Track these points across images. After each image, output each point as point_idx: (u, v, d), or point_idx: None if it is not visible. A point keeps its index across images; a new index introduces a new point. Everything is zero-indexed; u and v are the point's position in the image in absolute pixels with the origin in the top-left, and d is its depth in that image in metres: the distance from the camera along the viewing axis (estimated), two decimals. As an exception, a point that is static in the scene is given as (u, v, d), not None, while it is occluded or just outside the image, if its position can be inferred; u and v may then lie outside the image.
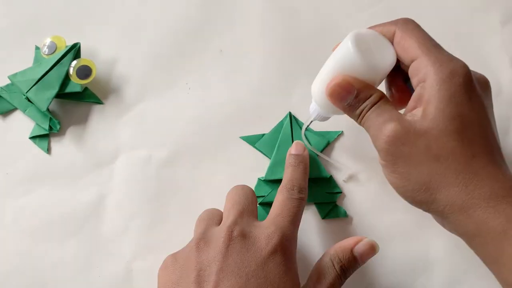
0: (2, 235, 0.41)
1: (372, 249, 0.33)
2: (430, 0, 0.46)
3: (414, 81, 0.32)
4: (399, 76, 0.35)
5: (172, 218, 0.41)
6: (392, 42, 0.33)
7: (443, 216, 0.30)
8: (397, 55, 0.33)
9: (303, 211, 0.35)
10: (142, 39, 0.45)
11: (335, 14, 0.46)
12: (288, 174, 0.37)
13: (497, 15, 0.45)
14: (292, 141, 0.41)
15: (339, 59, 0.33)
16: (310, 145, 0.41)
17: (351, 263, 0.33)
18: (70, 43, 0.44)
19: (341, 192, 0.41)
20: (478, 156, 0.30)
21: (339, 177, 0.41)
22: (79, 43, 0.44)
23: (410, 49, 0.32)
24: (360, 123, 0.33)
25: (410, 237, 0.40)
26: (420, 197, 0.31)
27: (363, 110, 0.32)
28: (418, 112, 0.31)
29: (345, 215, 0.40)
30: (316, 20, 0.46)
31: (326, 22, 0.45)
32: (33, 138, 0.43)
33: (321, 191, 0.41)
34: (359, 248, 0.33)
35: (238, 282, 0.30)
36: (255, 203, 0.36)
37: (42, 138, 0.43)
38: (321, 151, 0.41)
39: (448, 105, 0.30)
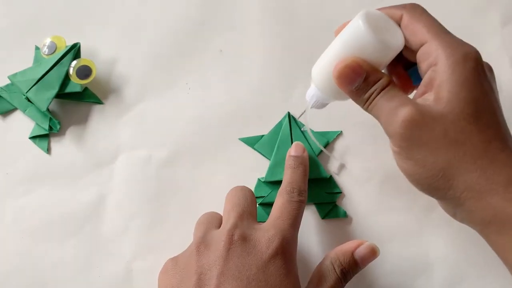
0: (2, 235, 0.41)
1: (373, 253, 0.33)
2: (430, 0, 0.46)
3: (423, 65, 0.31)
4: (400, 64, 0.34)
5: (172, 218, 0.41)
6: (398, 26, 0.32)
7: (458, 203, 0.30)
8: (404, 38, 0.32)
9: (303, 213, 0.35)
10: (142, 39, 0.45)
11: (335, 14, 0.45)
12: (288, 176, 0.37)
13: (497, 15, 0.45)
14: (291, 142, 0.41)
15: (348, 39, 0.31)
16: (309, 143, 0.41)
17: (351, 267, 0.33)
18: (70, 43, 0.44)
19: (340, 192, 0.41)
20: (494, 142, 0.29)
21: (339, 178, 0.41)
22: (79, 43, 0.44)
23: (419, 33, 0.31)
24: (367, 108, 0.32)
25: (410, 237, 0.40)
26: (436, 184, 0.30)
27: (371, 94, 0.31)
28: (430, 96, 0.30)
29: (345, 215, 0.40)
30: (316, 20, 0.46)
31: (326, 22, 0.45)
32: (33, 138, 0.43)
33: (321, 191, 0.41)
34: (360, 251, 0.33)
35: (239, 285, 0.30)
36: (254, 204, 0.36)
37: (42, 138, 0.43)
38: (320, 152, 0.41)
39: (462, 89, 0.29)
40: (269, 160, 0.41)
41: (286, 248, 0.32)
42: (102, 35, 0.46)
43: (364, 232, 0.40)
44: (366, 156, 0.41)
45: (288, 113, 0.42)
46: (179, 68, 0.45)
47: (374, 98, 0.31)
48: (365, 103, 0.32)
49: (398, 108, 0.30)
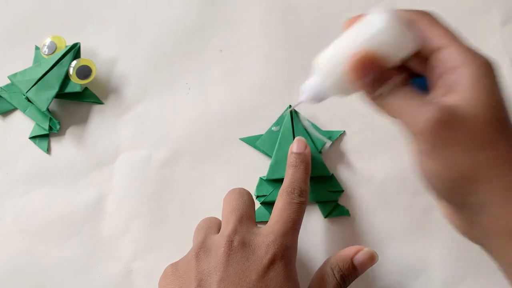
0: (2, 235, 0.41)
1: (372, 259, 0.34)
2: (430, 0, 0.46)
3: (440, 69, 0.30)
4: (406, 69, 0.33)
5: (172, 218, 0.41)
6: None
7: (479, 211, 0.28)
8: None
9: (303, 214, 0.35)
10: (142, 39, 0.45)
11: (335, 14, 0.46)
12: (289, 176, 0.36)
13: (497, 15, 0.45)
14: (293, 137, 0.41)
15: (366, 31, 0.30)
16: (311, 139, 0.41)
17: (351, 272, 0.33)
18: (70, 43, 0.44)
19: (343, 191, 0.41)
20: None
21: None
22: (79, 43, 0.44)
23: (436, 38, 0.30)
24: (380, 104, 0.30)
25: (410, 237, 0.40)
26: (459, 188, 0.28)
27: (385, 90, 0.30)
28: (451, 98, 0.29)
29: (348, 214, 0.40)
30: (316, 20, 0.46)
31: (326, 22, 0.45)
32: (33, 138, 0.43)
33: (323, 189, 0.40)
34: (359, 257, 0.33)
35: None
36: (253, 207, 0.35)
37: (42, 138, 0.43)
38: (322, 149, 0.41)
39: (491, 95, 0.28)
40: (270, 158, 0.41)
41: (286, 253, 0.32)
42: (102, 35, 0.46)
43: (364, 232, 0.40)
44: (367, 156, 0.41)
45: (290, 106, 0.42)
46: (179, 68, 0.45)
47: (389, 94, 0.30)
48: (378, 99, 0.30)
49: (425, 106, 0.28)
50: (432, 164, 0.29)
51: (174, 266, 0.33)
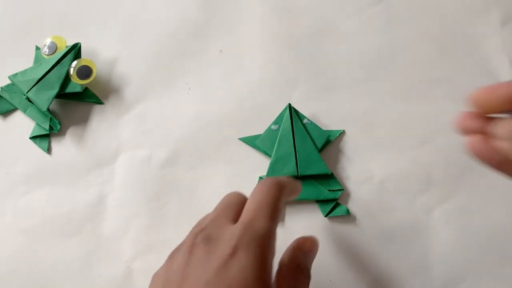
0: (2, 235, 0.41)
1: (316, 243, 0.33)
2: (430, 0, 0.46)
3: None
4: None
5: (172, 218, 0.41)
6: None
7: None
8: None
9: (283, 203, 0.31)
10: (142, 39, 0.46)
11: (335, 14, 0.46)
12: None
13: (497, 15, 0.45)
14: (293, 136, 0.41)
15: None
16: (311, 137, 0.41)
17: (310, 260, 0.33)
18: (70, 43, 0.44)
19: (342, 189, 0.41)
20: None
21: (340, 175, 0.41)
22: (79, 43, 0.44)
23: None
24: None
25: (410, 237, 0.40)
26: None
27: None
28: None
29: (348, 212, 0.40)
30: (316, 20, 0.46)
31: (326, 22, 0.45)
32: (33, 138, 0.43)
33: (323, 188, 0.40)
34: (307, 244, 0.33)
35: None
36: (236, 208, 0.31)
37: (43, 138, 0.43)
38: (322, 147, 0.41)
39: None
40: (270, 157, 0.41)
41: (254, 244, 0.27)
42: (102, 35, 0.46)
43: (364, 231, 0.40)
44: (367, 156, 0.41)
45: (289, 104, 0.42)
46: (179, 68, 0.45)
47: None
48: None
49: None
50: None
51: (162, 266, 0.31)
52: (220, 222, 0.30)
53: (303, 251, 0.33)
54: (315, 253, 0.34)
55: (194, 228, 0.34)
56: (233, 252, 0.27)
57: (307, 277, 0.32)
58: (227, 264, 0.27)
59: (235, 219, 0.30)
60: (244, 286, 0.26)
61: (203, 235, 0.29)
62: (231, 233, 0.28)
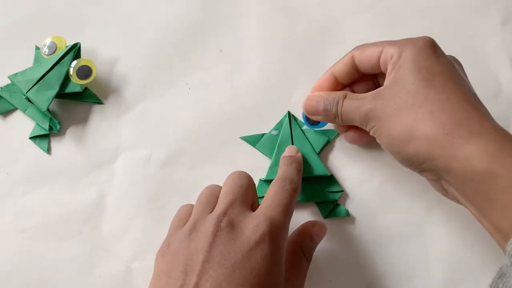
0: (2, 235, 0.41)
1: (325, 229, 0.37)
2: (430, 0, 0.46)
3: (387, 70, 0.34)
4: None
5: (172, 218, 0.41)
6: (354, 66, 0.37)
7: (436, 170, 0.31)
8: (362, 69, 0.37)
9: (295, 202, 0.35)
10: (142, 39, 0.45)
11: (335, 14, 0.46)
12: (281, 170, 0.37)
13: (497, 15, 0.45)
14: (292, 141, 0.41)
15: None
16: (309, 142, 0.41)
17: (313, 246, 0.37)
18: (70, 43, 0.44)
19: (342, 191, 0.41)
20: (453, 98, 0.31)
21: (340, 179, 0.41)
22: (79, 43, 0.44)
23: (370, 51, 0.35)
24: (341, 121, 0.36)
25: (410, 237, 0.40)
26: (408, 150, 0.32)
27: (337, 108, 0.36)
28: (387, 80, 0.34)
29: (347, 214, 0.40)
30: (316, 20, 0.46)
31: (326, 22, 0.45)
32: (33, 138, 0.43)
33: (322, 190, 0.41)
34: (316, 230, 0.37)
35: (223, 273, 0.30)
36: (249, 192, 0.35)
37: (42, 138, 0.43)
38: (321, 150, 0.41)
39: (413, 61, 0.32)
40: (270, 159, 0.41)
41: (274, 235, 0.32)
42: (102, 35, 0.46)
43: (364, 232, 0.40)
44: (366, 156, 0.41)
45: (289, 112, 0.42)
46: (179, 68, 0.45)
47: (341, 110, 0.36)
48: (336, 118, 0.36)
49: (361, 102, 0.34)
50: (380, 142, 0.34)
51: (168, 242, 0.33)
52: (240, 207, 0.33)
53: (310, 235, 0.36)
54: (321, 238, 0.37)
55: (198, 205, 0.35)
56: (259, 242, 0.31)
57: (309, 260, 0.36)
58: (252, 251, 0.31)
59: (251, 205, 0.34)
60: (265, 270, 0.30)
61: (227, 220, 0.32)
62: (256, 224, 0.32)
